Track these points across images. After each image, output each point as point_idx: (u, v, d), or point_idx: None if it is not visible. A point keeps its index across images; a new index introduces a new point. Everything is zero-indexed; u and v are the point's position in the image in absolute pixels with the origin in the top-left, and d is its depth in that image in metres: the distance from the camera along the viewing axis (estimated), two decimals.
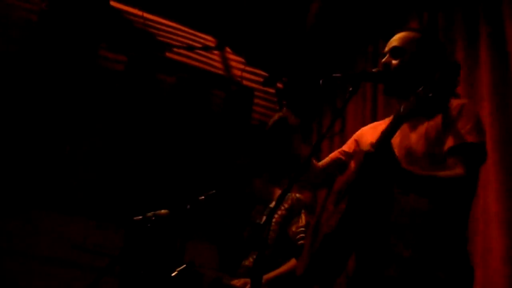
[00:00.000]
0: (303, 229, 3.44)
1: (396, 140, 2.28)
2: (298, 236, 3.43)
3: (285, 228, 3.51)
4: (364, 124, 4.72)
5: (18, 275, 4.99)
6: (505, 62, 3.57)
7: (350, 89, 2.23)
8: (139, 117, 5.60)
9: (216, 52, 6.10)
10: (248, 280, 3.34)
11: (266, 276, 3.28)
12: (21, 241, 5.16)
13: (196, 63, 5.97)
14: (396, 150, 2.15)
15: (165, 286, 3.23)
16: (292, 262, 3.37)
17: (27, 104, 5.21)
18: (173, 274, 2.96)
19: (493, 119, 3.52)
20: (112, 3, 5.57)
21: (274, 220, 3.52)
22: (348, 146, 2.68)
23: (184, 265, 3.04)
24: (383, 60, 2.46)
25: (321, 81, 2.28)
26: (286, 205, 3.58)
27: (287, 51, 5.55)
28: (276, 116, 2.55)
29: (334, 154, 2.67)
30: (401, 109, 2.10)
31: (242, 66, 6.10)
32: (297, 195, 3.64)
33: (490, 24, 3.75)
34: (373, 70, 2.42)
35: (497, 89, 3.58)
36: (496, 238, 3.28)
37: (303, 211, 3.54)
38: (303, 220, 3.49)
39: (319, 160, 2.70)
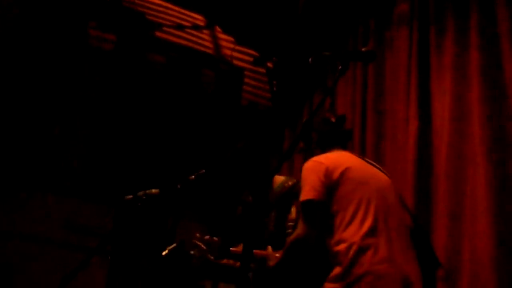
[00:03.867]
0: (291, 223, 3.41)
1: None
2: (288, 231, 3.40)
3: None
4: (354, 103, 4.77)
5: (11, 255, 5.00)
6: (495, 45, 3.58)
7: (340, 68, 2.23)
8: (129, 96, 5.58)
9: (206, 31, 6.07)
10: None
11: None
12: (13, 222, 5.16)
13: (186, 43, 5.94)
14: None
15: (156, 265, 3.25)
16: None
17: (16, 85, 5.17)
18: (163, 253, 2.97)
19: (482, 104, 3.54)
20: None
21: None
22: None
23: (175, 244, 3.05)
24: None
25: (310, 59, 2.28)
26: (280, 193, 3.54)
27: (277, 30, 5.52)
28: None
29: None
30: None
31: (232, 46, 6.07)
32: (290, 183, 3.60)
33: (480, 5, 3.76)
34: (363, 49, 2.42)
35: (486, 72, 3.59)
36: (484, 234, 3.30)
37: (293, 202, 3.51)
38: (292, 213, 3.47)
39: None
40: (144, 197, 2.75)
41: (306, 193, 2.61)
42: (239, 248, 3.27)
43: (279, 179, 3.51)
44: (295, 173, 4.56)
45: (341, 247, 2.49)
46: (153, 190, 2.81)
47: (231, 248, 3.08)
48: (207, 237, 3.24)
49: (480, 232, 3.32)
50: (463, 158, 3.62)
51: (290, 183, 3.48)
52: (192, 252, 3.13)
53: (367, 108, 4.60)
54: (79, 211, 5.34)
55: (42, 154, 5.30)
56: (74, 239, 5.01)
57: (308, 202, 2.59)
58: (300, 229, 2.58)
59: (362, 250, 2.45)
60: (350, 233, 2.50)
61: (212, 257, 3.11)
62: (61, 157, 5.43)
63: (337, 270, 2.47)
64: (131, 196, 2.78)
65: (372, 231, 2.50)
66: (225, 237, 3.21)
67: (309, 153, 2.86)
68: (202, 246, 3.15)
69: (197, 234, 3.14)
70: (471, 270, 3.33)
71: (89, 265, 2.33)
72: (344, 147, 2.89)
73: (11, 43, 5.13)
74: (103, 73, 5.56)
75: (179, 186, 3.01)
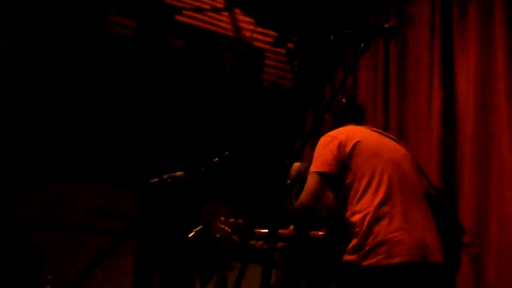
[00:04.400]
0: None
1: None
2: None
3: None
4: (376, 80, 4.73)
5: (41, 241, 5.10)
6: None
7: (362, 45, 2.20)
8: (151, 81, 5.60)
9: (225, 13, 6.05)
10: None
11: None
12: (42, 209, 5.25)
13: (206, 25, 5.92)
14: None
15: (182, 247, 3.27)
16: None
17: (39, 73, 5.22)
18: (190, 235, 3.00)
19: (507, 78, 3.49)
20: None
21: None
22: None
23: (201, 226, 3.07)
24: None
25: (332, 37, 2.26)
26: (298, 182, 3.55)
27: (297, 10, 5.48)
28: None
29: None
30: None
31: (252, 27, 6.05)
32: (304, 167, 3.59)
33: None
34: (386, 25, 2.39)
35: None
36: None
37: None
38: None
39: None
40: (169, 180, 2.77)
41: (316, 166, 2.64)
42: (263, 230, 3.30)
43: (295, 165, 3.53)
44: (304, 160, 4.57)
45: (356, 218, 2.50)
46: (178, 173, 2.82)
47: (255, 230, 3.10)
48: (231, 220, 3.26)
49: (506, 200, 3.30)
50: (489, 132, 3.58)
51: (304, 167, 3.49)
52: (217, 235, 3.16)
53: (389, 85, 4.56)
54: (106, 196, 5.41)
55: (67, 141, 5.36)
56: (101, 223, 5.08)
57: (315, 173, 2.62)
58: (302, 197, 2.60)
59: (376, 220, 2.46)
60: (364, 204, 2.51)
61: (237, 239, 3.14)
62: (86, 143, 5.49)
63: (354, 241, 2.49)
64: (156, 180, 2.80)
65: (386, 201, 2.50)
66: (249, 219, 3.23)
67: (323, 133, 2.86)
68: (227, 229, 3.18)
69: (222, 218, 3.16)
70: (498, 236, 3.31)
71: (116, 249, 2.36)
72: (358, 123, 2.89)
73: (35, 31, 5.17)
74: (125, 59, 5.58)
75: (203, 169, 3.02)
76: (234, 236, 3.20)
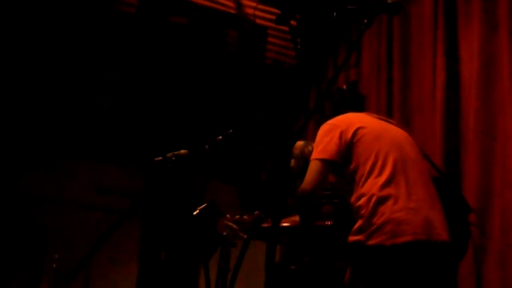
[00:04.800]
0: None
1: None
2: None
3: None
4: (379, 57, 4.71)
5: (48, 219, 5.14)
6: None
7: (365, 21, 2.19)
8: (153, 60, 5.59)
9: None
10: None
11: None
12: (48, 187, 5.29)
13: (208, 3, 5.88)
14: None
15: (187, 225, 3.29)
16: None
17: (42, 54, 5.22)
18: (194, 213, 3.01)
19: (511, 51, 3.46)
20: None
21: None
22: None
23: (205, 204, 3.08)
24: None
25: (335, 14, 2.25)
26: (302, 159, 3.53)
27: None
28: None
29: None
30: None
31: (254, 4, 6.00)
32: (309, 148, 3.58)
33: None
34: (388, 1, 2.37)
35: None
36: None
37: None
38: None
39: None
40: (173, 158, 2.77)
41: (318, 153, 2.66)
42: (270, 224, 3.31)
43: (298, 144, 3.52)
44: (308, 138, 4.56)
45: (362, 201, 2.51)
46: (182, 151, 2.83)
47: (262, 225, 3.12)
48: (237, 216, 3.29)
49: (510, 180, 3.30)
50: (492, 106, 3.57)
51: (310, 148, 3.48)
52: (224, 233, 3.18)
53: (393, 63, 4.55)
54: (111, 174, 5.44)
55: (72, 120, 5.38)
56: (106, 202, 5.10)
57: (317, 160, 2.64)
58: (304, 184, 2.62)
59: (381, 200, 2.47)
60: (368, 186, 2.53)
61: (245, 236, 3.16)
62: (91, 122, 5.50)
63: (359, 222, 2.50)
64: (160, 158, 2.80)
65: (391, 182, 2.52)
66: (256, 214, 3.24)
67: (323, 122, 2.86)
68: (234, 226, 3.20)
69: (228, 215, 3.18)
70: (502, 214, 3.33)
71: (122, 227, 2.37)
72: (359, 110, 2.91)
73: (42, 10, 5.16)
74: (127, 37, 5.56)
75: (207, 147, 3.02)
76: (241, 233, 3.22)
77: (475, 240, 3.28)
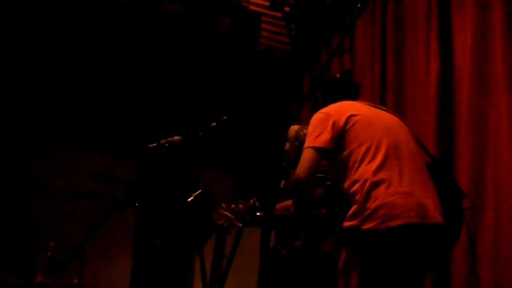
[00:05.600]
0: None
1: None
2: None
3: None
4: (373, 43, 4.70)
5: (40, 208, 5.13)
6: None
7: (359, 6, 2.19)
8: (147, 47, 5.57)
9: None
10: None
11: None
12: (41, 175, 5.27)
13: None
14: None
15: (181, 211, 3.30)
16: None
17: (37, 43, 5.20)
18: (189, 200, 3.01)
19: (505, 39, 3.45)
20: None
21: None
22: None
23: (200, 191, 3.08)
24: None
25: None
26: (296, 143, 3.54)
27: None
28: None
29: None
30: None
31: None
32: (304, 131, 3.57)
33: None
34: None
35: (510, 5, 3.50)
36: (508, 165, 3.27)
37: None
38: None
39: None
40: (167, 145, 2.77)
41: (311, 141, 2.67)
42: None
43: (293, 127, 3.52)
44: (303, 121, 4.56)
45: (356, 187, 2.52)
46: (176, 138, 2.82)
47: (257, 213, 3.12)
48: (233, 205, 3.29)
49: (503, 163, 3.31)
50: (485, 94, 3.57)
51: (305, 131, 3.47)
52: (220, 222, 3.19)
53: (387, 47, 4.54)
54: (105, 162, 5.43)
55: (66, 108, 5.36)
56: (100, 189, 5.10)
57: (310, 148, 2.65)
58: (298, 171, 2.63)
59: (375, 185, 2.48)
60: (362, 172, 2.54)
61: (240, 224, 3.17)
62: (84, 111, 5.49)
63: (353, 208, 2.51)
64: (154, 145, 2.80)
65: (384, 166, 2.53)
66: (251, 203, 3.24)
67: (317, 111, 2.86)
68: (229, 215, 3.21)
69: (223, 205, 3.18)
70: (495, 199, 3.34)
71: (116, 214, 2.37)
72: (353, 99, 2.92)
73: (29, 1, 5.13)
74: (120, 25, 5.54)
75: (200, 134, 3.02)
76: (237, 222, 3.23)
77: (469, 223, 3.30)
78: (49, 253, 4.51)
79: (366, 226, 2.44)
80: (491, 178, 3.40)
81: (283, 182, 3.40)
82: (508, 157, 3.29)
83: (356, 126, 2.66)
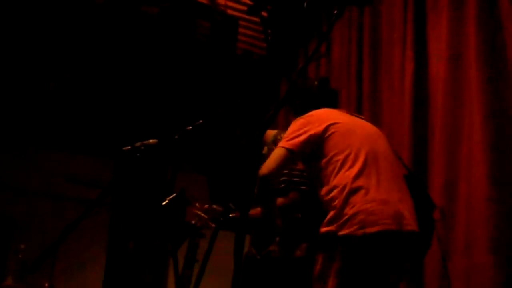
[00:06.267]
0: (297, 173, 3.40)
1: None
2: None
3: None
4: (350, 48, 4.73)
5: (13, 209, 5.06)
6: None
7: (335, 12, 2.20)
8: (123, 49, 5.53)
9: None
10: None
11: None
12: (15, 176, 5.21)
13: None
14: None
15: (156, 214, 3.28)
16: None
17: (9, 44, 5.14)
18: (163, 203, 3.00)
19: (479, 44, 3.49)
20: None
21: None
22: None
23: (174, 194, 3.07)
24: None
25: (305, 3, 2.26)
26: (274, 147, 3.53)
27: None
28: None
29: None
30: None
31: None
32: (282, 135, 3.56)
33: None
34: None
35: (483, 10, 3.54)
36: (480, 177, 3.31)
37: None
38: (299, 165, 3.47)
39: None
40: (142, 148, 2.75)
41: (285, 143, 2.70)
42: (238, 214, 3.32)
43: (271, 132, 3.53)
44: (280, 126, 4.57)
45: (334, 193, 2.55)
46: (151, 141, 2.81)
47: (230, 215, 3.13)
48: (206, 206, 3.29)
49: (476, 175, 3.35)
50: (459, 99, 3.61)
51: (282, 135, 3.47)
52: (193, 222, 3.18)
53: (363, 52, 4.57)
54: (79, 164, 5.38)
55: (40, 110, 5.31)
56: (75, 192, 5.06)
57: (283, 148, 2.68)
58: (264, 167, 2.64)
59: (353, 191, 2.51)
60: (340, 179, 2.56)
61: (213, 225, 3.17)
62: (58, 113, 5.43)
63: (331, 213, 2.53)
64: (129, 147, 2.78)
65: (362, 174, 2.56)
66: (225, 204, 3.24)
67: (295, 118, 2.88)
68: (203, 215, 3.20)
69: (197, 204, 3.18)
70: (467, 211, 3.37)
71: (90, 217, 2.35)
72: (332, 107, 2.94)
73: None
74: (96, 26, 5.50)
75: (176, 137, 3.01)
76: (210, 222, 3.23)
77: (439, 233, 3.33)
78: (20, 256, 4.45)
79: (344, 231, 2.45)
80: (464, 186, 3.44)
81: None
82: (481, 164, 3.33)
83: (336, 134, 2.68)
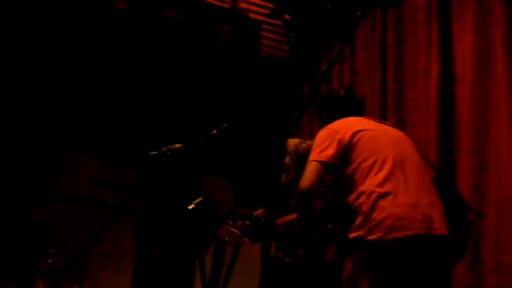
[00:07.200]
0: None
1: None
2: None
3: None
4: (374, 51, 4.71)
5: (43, 215, 5.12)
6: None
7: (359, 14, 2.20)
8: (147, 54, 5.58)
9: None
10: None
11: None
12: (43, 182, 5.28)
13: None
14: None
15: (182, 219, 3.29)
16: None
17: (35, 49, 5.21)
18: (189, 207, 3.01)
19: (506, 43, 3.45)
20: None
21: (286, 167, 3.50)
22: None
23: (200, 198, 3.08)
24: None
25: (328, 6, 2.26)
26: (295, 157, 3.52)
27: None
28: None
29: None
30: None
31: None
32: (303, 145, 3.55)
33: None
34: None
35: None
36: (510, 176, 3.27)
37: None
38: None
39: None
40: (168, 153, 2.77)
41: (316, 155, 2.71)
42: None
43: (293, 141, 3.51)
44: (303, 133, 4.56)
45: (362, 198, 2.55)
46: (177, 145, 2.82)
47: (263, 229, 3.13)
48: (239, 222, 3.29)
49: (505, 176, 3.31)
50: (486, 100, 3.57)
51: (304, 145, 3.47)
52: (227, 239, 3.19)
53: (387, 55, 4.54)
54: (106, 169, 5.43)
55: (67, 115, 5.37)
56: (101, 196, 5.10)
57: (315, 162, 2.69)
58: (301, 184, 2.67)
59: (381, 196, 2.51)
60: (368, 184, 2.57)
61: (247, 241, 3.17)
62: (85, 118, 5.49)
63: (359, 219, 2.53)
64: (155, 152, 2.80)
65: (390, 178, 2.56)
66: (256, 219, 3.24)
67: (322, 127, 2.89)
68: (236, 231, 3.21)
69: (230, 221, 3.19)
70: (496, 211, 3.34)
71: (117, 222, 2.37)
72: (358, 115, 2.94)
73: (29, 7, 5.14)
74: (120, 33, 5.55)
75: (201, 141, 3.02)
76: (244, 238, 3.23)
77: (474, 237, 3.30)
78: (50, 260, 4.50)
79: (372, 236, 2.45)
80: (494, 188, 3.40)
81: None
82: (510, 165, 3.29)
83: (362, 140, 2.69)
